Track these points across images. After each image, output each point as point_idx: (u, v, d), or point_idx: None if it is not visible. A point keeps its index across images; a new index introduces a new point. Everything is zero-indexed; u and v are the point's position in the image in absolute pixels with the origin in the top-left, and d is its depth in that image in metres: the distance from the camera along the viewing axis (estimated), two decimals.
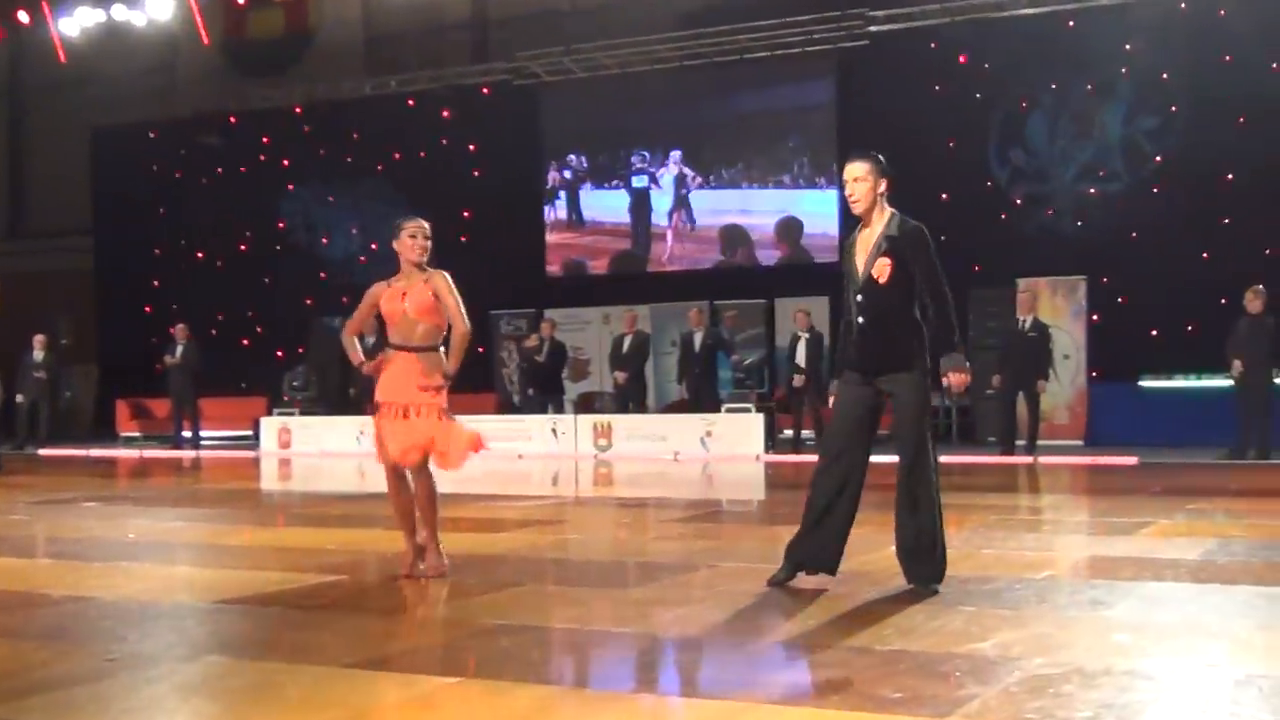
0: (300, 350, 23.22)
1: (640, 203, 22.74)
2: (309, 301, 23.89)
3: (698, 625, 5.72)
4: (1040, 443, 16.28)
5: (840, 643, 5.12)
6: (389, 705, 4.46)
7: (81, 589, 6.83)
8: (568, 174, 23.09)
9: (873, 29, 20.28)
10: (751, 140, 21.72)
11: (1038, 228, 19.64)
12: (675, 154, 22.28)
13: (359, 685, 4.64)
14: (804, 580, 6.40)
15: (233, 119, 24.91)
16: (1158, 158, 19.02)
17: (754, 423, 17.53)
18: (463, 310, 6.88)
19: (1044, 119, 19.69)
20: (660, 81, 21.92)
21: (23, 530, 9.91)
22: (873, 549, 7.70)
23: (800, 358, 17.37)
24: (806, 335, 17.43)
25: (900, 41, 20.10)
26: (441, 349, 6.94)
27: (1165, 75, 18.73)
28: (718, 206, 22.14)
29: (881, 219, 6.27)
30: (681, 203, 22.33)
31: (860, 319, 6.27)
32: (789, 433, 18.08)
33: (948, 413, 19.42)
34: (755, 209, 21.88)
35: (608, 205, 23.01)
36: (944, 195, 19.52)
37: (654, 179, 22.56)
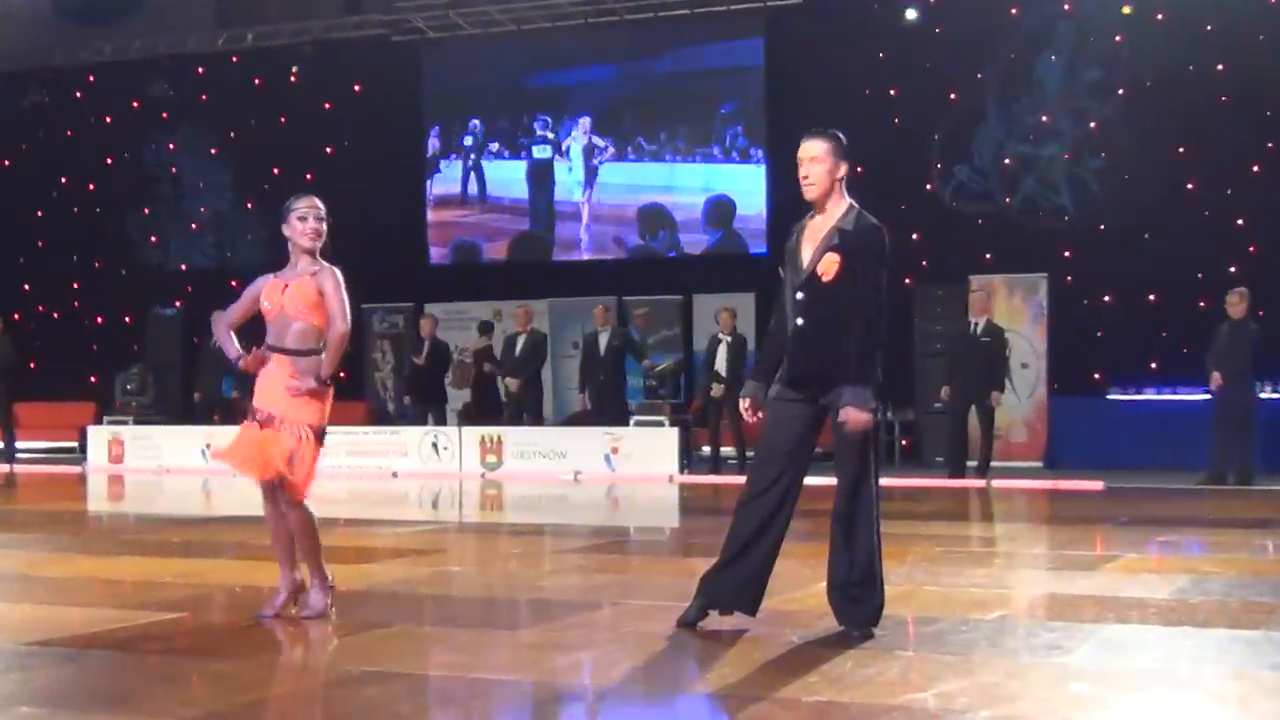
0: (135, 348, 22.90)
1: (542, 177, 22.69)
2: (147, 289, 23.59)
3: (600, 673, 5.74)
4: (994, 464, 16.47)
5: (763, 693, 5.15)
6: None
7: None
8: (468, 139, 22.93)
9: None
10: (674, 108, 21.75)
11: (993, 217, 19.88)
12: (584, 120, 22.26)
13: None
14: (719, 621, 6.43)
15: (58, 74, 24.52)
16: (1133, 140, 19.32)
17: (667, 438, 17.58)
18: (346, 309, 6.79)
19: (1002, 91, 19.93)
20: (564, 40, 21.98)
21: None
22: (798, 585, 7.78)
23: (721, 364, 17.45)
24: (729, 339, 17.52)
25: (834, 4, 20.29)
26: (322, 356, 6.82)
27: (1151, 48, 19.06)
28: (636, 182, 22.14)
29: (837, 208, 6.23)
30: (591, 178, 22.28)
31: (799, 320, 6.24)
32: (707, 450, 18.17)
33: (889, 428, 19.60)
34: (680, 186, 21.90)
35: (505, 178, 22.95)
36: (885, 177, 19.75)
37: (559, 149, 22.52)
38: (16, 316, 22.43)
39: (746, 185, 21.33)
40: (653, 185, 22.00)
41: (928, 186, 19.97)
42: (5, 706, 5.15)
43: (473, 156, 22.94)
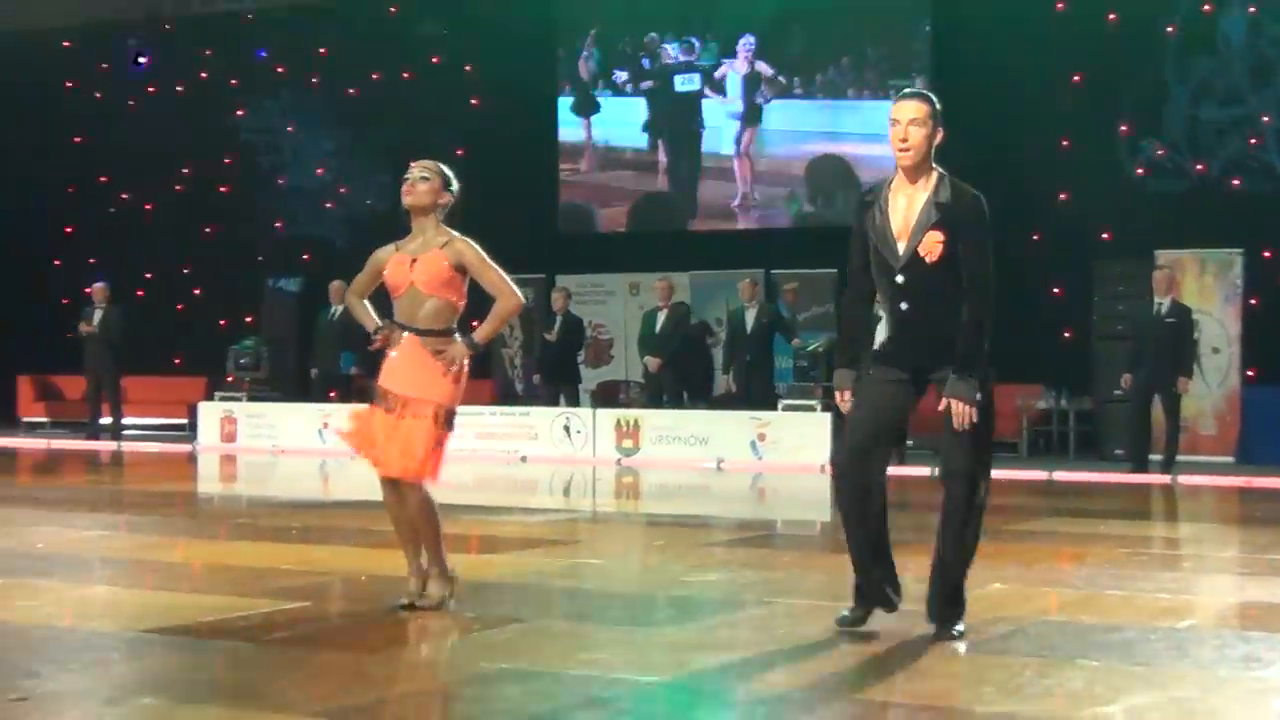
0: (249, 319, 23.31)
1: (683, 117, 22.36)
2: (261, 258, 23.99)
3: (751, 677, 5.75)
4: (1180, 458, 16.21)
5: (930, 703, 5.14)
6: None
7: None
8: (582, 79, 22.72)
9: None
10: (837, 41, 21.27)
11: (1183, 187, 19.53)
12: (746, 40, 21.92)
13: None
14: (877, 622, 6.42)
15: (168, 25, 24.97)
16: None
17: (818, 424, 17.45)
18: (508, 280, 6.90)
19: (1194, 52, 19.54)
20: None
21: None
22: (968, 587, 7.73)
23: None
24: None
25: None
26: (457, 334, 6.89)
27: None
28: (799, 127, 21.60)
29: (929, 179, 6.17)
30: (753, 119, 21.88)
31: (902, 305, 6.16)
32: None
33: (1064, 418, 19.38)
34: (849, 131, 21.24)
35: (628, 120, 22.59)
36: (1064, 142, 19.49)
37: (712, 80, 22.12)
38: (124, 286, 22.90)
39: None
40: (815, 130, 21.53)
41: (1110, 154, 19.63)
42: (125, 697, 5.30)
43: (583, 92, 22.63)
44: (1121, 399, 16.86)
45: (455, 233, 6.91)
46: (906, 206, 6.14)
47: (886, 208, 6.19)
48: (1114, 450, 17.91)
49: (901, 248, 6.11)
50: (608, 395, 20.94)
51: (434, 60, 23.02)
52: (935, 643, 6.17)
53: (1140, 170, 19.63)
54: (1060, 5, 19.75)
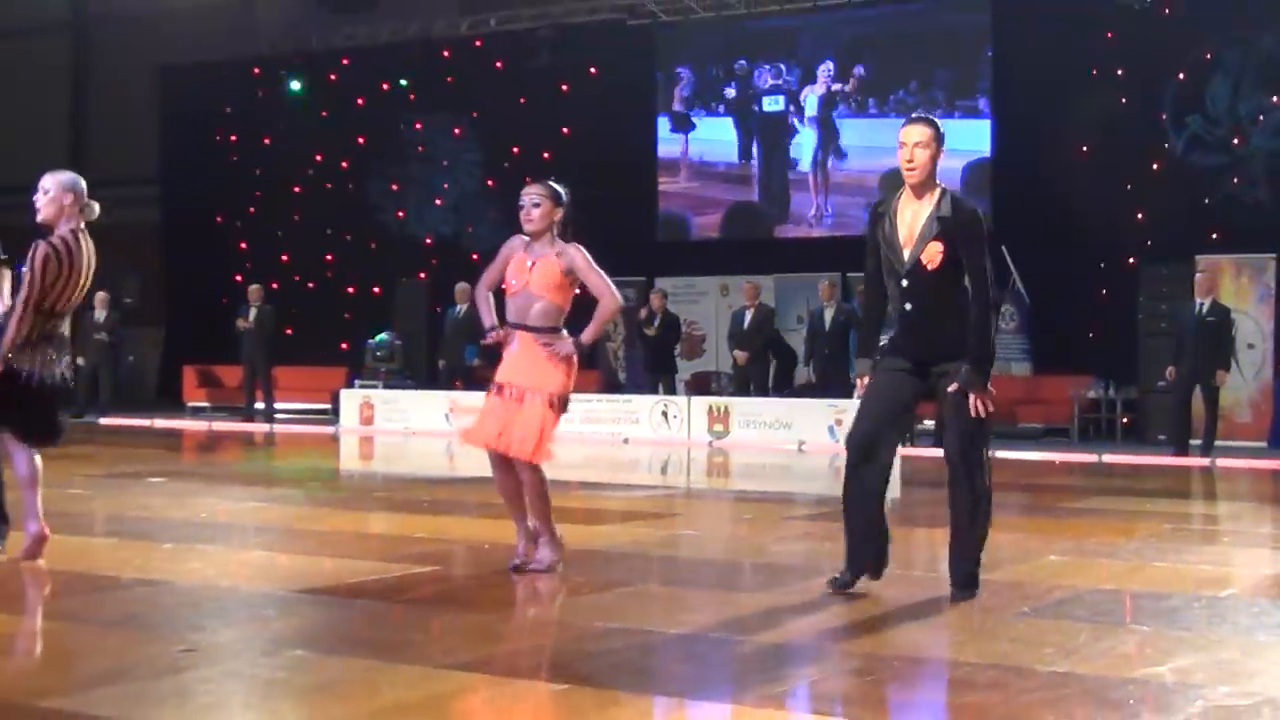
0: (384, 316, 23.49)
1: (772, 134, 22.22)
2: (394, 261, 24.16)
3: (827, 636, 5.73)
4: (1218, 443, 15.98)
5: (995, 663, 5.09)
6: (494, 714, 4.53)
7: (151, 572, 7.01)
8: (678, 103, 22.82)
9: None
10: (908, 65, 21.10)
11: (1221, 197, 19.22)
12: (826, 66, 21.72)
13: (458, 689, 4.72)
14: (945, 590, 6.37)
15: (314, 59, 25.22)
16: None
17: None
18: (610, 284, 6.94)
19: (1230, 71, 19.20)
20: (793, 25, 21.79)
21: (84, 506, 10.13)
22: (1025, 558, 7.69)
23: None
24: None
25: None
26: (564, 332, 6.94)
27: None
28: (873, 143, 21.19)
29: (932, 195, 6.23)
30: (830, 137, 21.70)
31: (907, 306, 6.25)
32: (929, 423, 17.94)
33: (1112, 407, 19.15)
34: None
35: (720, 138, 22.53)
36: (1113, 156, 19.23)
37: (794, 100, 21.96)
38: (274, 285, 23.16)
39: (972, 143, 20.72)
40: (894, 147, 21.18)
41: (1154, 166, 19.34)
42: (279, 649, 5.36)
43: (686, 114, 22.58)
44: (1165, 389, 16.65)
45: (568, 243, 6.94)
46: (912, 219, 6.23)
47: (895, 219, 6.27)
48: (1157, 435, 17.64)
49: (907, 255, 6.21)
50: (700, 385, 20.90)
51: (562, 87, 23.01)
52: (995, 610, 6.13)
53: (1184, 181, 19.33)
54: (1110, 35, 19.46)
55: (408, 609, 6.19)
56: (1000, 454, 16.17)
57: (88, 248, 7.20)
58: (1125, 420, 19.15)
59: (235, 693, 4.73)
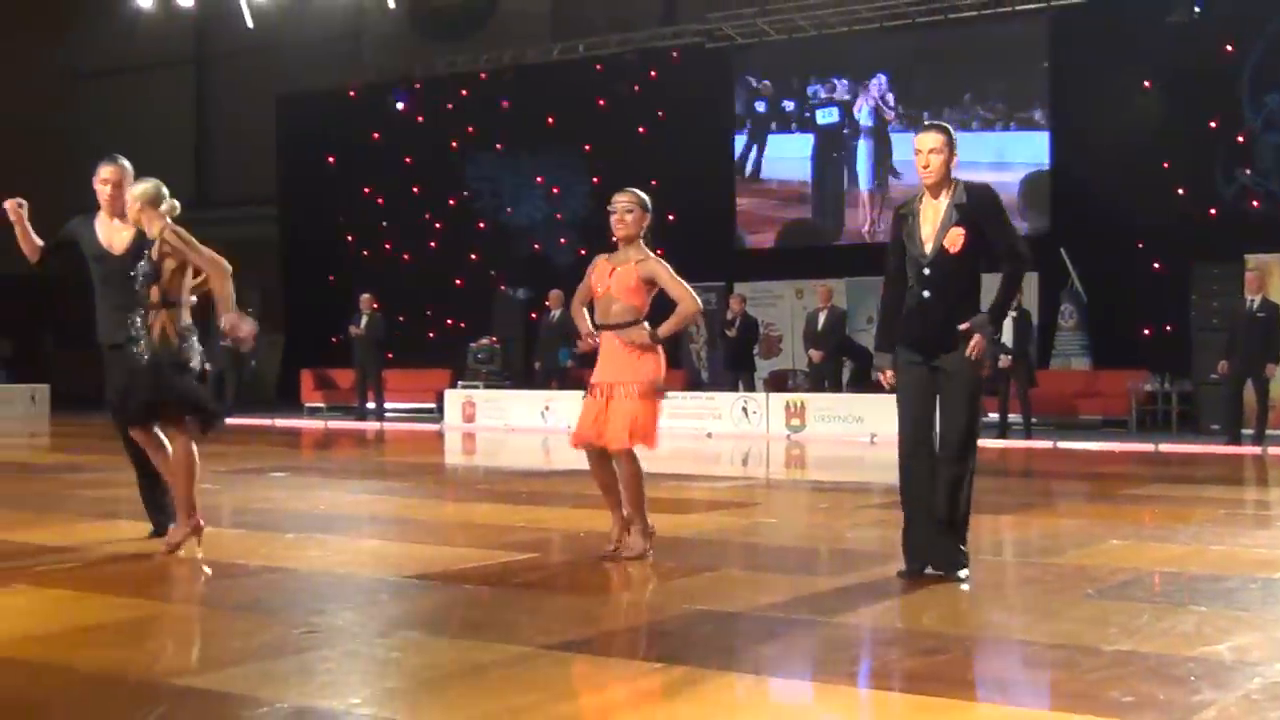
0: (484, 322, 23.63)
1: (829, 148, 22.03)
2: (494, 271, 24.29)
3: (900, 618, 5.68)
4: (1269, 433, 15.74)
5: (1062, 642, 5.02)
6: (592, 690, 4.53)
7: (276, 560, 7.08)
8: (750, 121, 22.70)
9: None
10: (962, 79, 20.96)
11: (1269, 199, 18.89)
12: (878, 80, 21.57)
13: (560, 668, 4.72)
14: (1012, 573, 6.30)
15: (419, 85, 25.41)
16: None
17: None
18: (690, 290, 6.93)
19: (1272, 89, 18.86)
20: (859, 44, 21.66)
21: (213, 499, 10.18)
22: (1088, 542, 7.57)
23: (1007, 337, 17.01)
24: (1014, 313, 17.05)
25: (1117, 3, 19.47)
26: (646, 324, 6.95)
27: None
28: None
29: (950, 192, 6.26)
30: (885, 152, 21.49)
31: (925, 292, 6.26)
32: (995, 416, 17.75)
33: (1167, 399, 18.88)
34: (972, 160, 20.91)
35: (787, 156, 22.46)
36: (1165, 164, 18.96)
37: (847, 112, 21.84)
38: (384, 294, 23.30)
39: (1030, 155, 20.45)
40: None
41: (1207, 173, 19.02)
42: (393, 630, 5.39)
43: (754, 135, 22.47)
44: (1217, 382, 16.42)
45: (651, 253, 6.95)
46: (933, 214, 6.27)
47: (918, 218, 6.31)
48: (1210, 426, 17.37)
49: (929, 246, 6.23)
50: (778, 382, 20.84)
51: (645, 105, 23.02)
52: (1061, 592, 6.04)
53: (1233, 186, 19.03)
54: (1160, 48, 19.16)
55: (509, 593, 6.20)
56: (1062, 444, 16.05)
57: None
58: (1180, 412, 18.88)
59: (353, 671, 4.76)
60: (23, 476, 11.62)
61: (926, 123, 6.64)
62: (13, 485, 10.89)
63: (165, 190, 7.30)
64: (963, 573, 6.26)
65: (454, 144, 25.06)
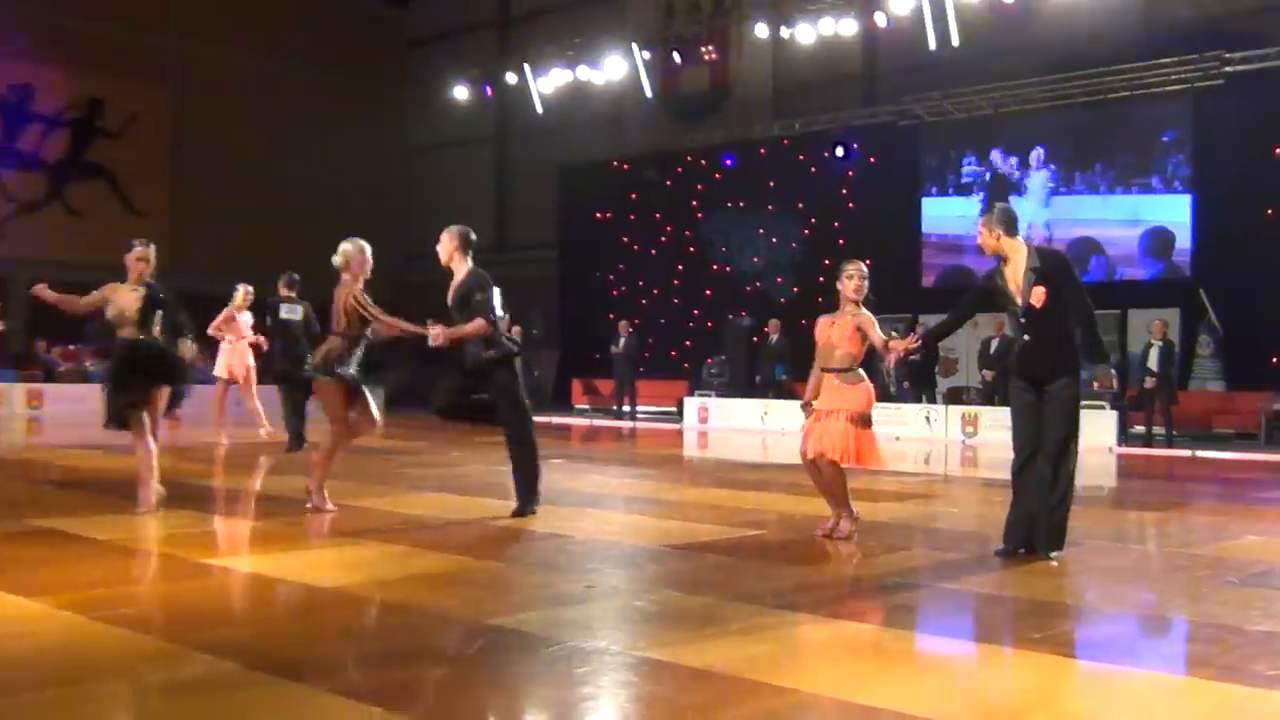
0: (716, 344, 23.68)
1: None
2: (723, 305, 24.31)
3: (1076, 595, 5.47)
4: None
5: (1210, 622, 4.76)
6: (813, 644, 4.50)
7: (559, 528, 7.23)
8: (934, 183, 22.23)
9: (1228, 69, 18.65)
10: (1103, 148, 20.06)
11: None
12: (1037, 152, 20.79)
13: (788, 623, 4.70)
14: (1162, 562, 5.99)
15: (665, 156, 25.63)
16: None
17: (1108, 418, 16.48)
18: (880, 334, 6.90)
19: None
20: (1028, 121, 20.98)
21: (507, 481, 10.47)
22: (1226, 536, 7.16)
23: (1153, 362, 16.23)
24: (1159, 343, 16.26)
25: (1254, 82, 18.38)
26: (861, 370, 6.93)
27: None
28: (1075, 216, 20.39)
29: (1020, 254, 6.28)
30: (1040, 209, 20.72)
31: (1025, 336, 6.28)
32: (1139, 429, 16.93)
33: None
34: (1111, 218, 20.03)
35: (948, 214, 21.89)
36: None
37: (1018, 183, 21.08)
38: (637, 321, 23.61)
39: (1171, 215, 19.49)
40: (1087, 218, 20.16)
41: None
42: (653, 589, 5.44)
43: (940, 192, 22.05)
44: None
45: (864, 309, 6.92)
46: (1013, 274, 6.31)
47: (1003, 278, 6.37)
48: None
49: (1020, 301, 6.26)
50: (954, 396, 20.29)
51: (849, 173, 22.74)
52: (1206, 579, 5.72)
53: None
54: None
55: (742, 561, 6.20)
56: (1200, 454, 15.20)
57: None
58: None
59: (622, 620, 4.82)
60: (365, 456, 12.13)
61: (982, 211, 6.69)
62: (357, 464, 11.38)
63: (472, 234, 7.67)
64: (1055, 553, 6.23)
65: (694, 202, 25.18)
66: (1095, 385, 6.28)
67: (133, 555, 6.27)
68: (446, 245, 7.61)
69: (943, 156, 22.12)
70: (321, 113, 29.20)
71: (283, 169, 28.27)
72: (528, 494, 7.70)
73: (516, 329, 23.09)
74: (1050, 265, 6.25)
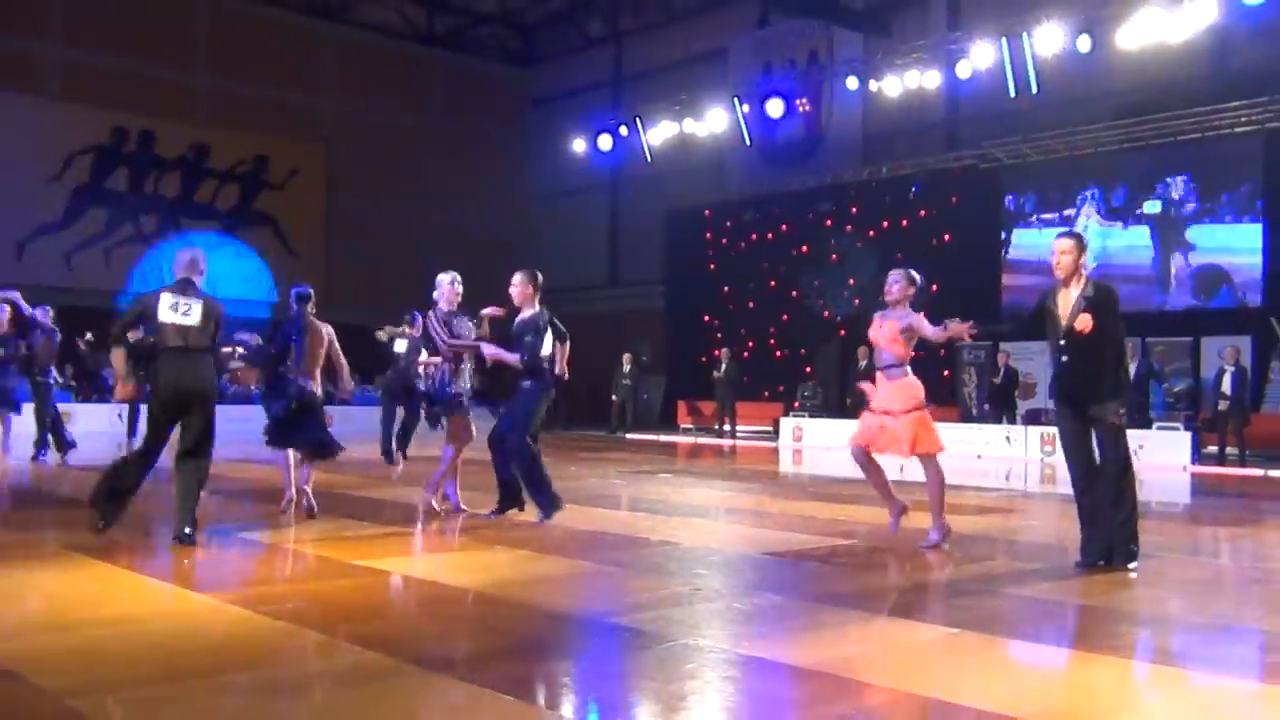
0: (808, 370, 23.49)
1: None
2: (815, 334, 24.11)
3: (1151, 605, 5.29)
4: None
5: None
6: (903, 647, 4.41)
7: (668, 536, 7.23)
8: (1012, 220, 21.73)
9: None
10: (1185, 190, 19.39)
11: None
12: (1121, 190, 20.28)
13: (878, 626, 4.63)
14: (1237, 575, 5.75)
15: (762, 199, 25.57)
16: None
17: (1181, 439, 15.92)
18: (925, 328, 6.76)
19: None
20: (1103, 162, 20.45)
21: (620, 492, 10.58)
22: None
23: (1226, 387, 15.64)
24: (1232, 368, 15.67)
25: None
26: (908, 368, 6.84)
27: None
28: (1136, 243, 19.82)
29: (1079, 283, 6.10)
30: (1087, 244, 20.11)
31: (1064, 358, 6.09)
32: (1213, 449, 16.30)
33: None
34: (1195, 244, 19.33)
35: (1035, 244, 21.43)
36: None
37: (1070, 220, 20.63)
38: (737, 348, 23.53)
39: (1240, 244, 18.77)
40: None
41: None
42: (752, 593, 5.41)
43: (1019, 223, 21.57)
44: None
45: (911, 311, 6.83)
46: (1065, 302, 6.14)
47: (1056, 302, 6.19)
48: None
49: (1064, 325, 6.09)
50: (1033, 418, 19.76)
51: (933, 211, 22.45)
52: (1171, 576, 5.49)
53: None
54: None
55: (837, 569, 6.12)
56: (1272, 473, 14.55)
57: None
58: None
59: (726, 621, 4.80)
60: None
61: (1063, 230, 6.46)
62: (485, 477, 11.53)
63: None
64: (1133, 564, 6.02)
65: (787, 240, 25.03)
66: (1112, 421, 6.00)
67: (287, 556, 6.44)
68: (521, 288, 7.71)
69: (1020, 196, 21.66)
70: (455, 165, 29.91)
71: (423, 215, 29.03)
72: (514, 495, 7.92)
73: (627, 355, 23.24)
74: (1103, 297, 6.07)
